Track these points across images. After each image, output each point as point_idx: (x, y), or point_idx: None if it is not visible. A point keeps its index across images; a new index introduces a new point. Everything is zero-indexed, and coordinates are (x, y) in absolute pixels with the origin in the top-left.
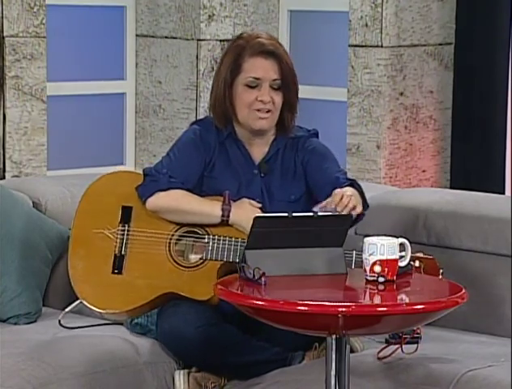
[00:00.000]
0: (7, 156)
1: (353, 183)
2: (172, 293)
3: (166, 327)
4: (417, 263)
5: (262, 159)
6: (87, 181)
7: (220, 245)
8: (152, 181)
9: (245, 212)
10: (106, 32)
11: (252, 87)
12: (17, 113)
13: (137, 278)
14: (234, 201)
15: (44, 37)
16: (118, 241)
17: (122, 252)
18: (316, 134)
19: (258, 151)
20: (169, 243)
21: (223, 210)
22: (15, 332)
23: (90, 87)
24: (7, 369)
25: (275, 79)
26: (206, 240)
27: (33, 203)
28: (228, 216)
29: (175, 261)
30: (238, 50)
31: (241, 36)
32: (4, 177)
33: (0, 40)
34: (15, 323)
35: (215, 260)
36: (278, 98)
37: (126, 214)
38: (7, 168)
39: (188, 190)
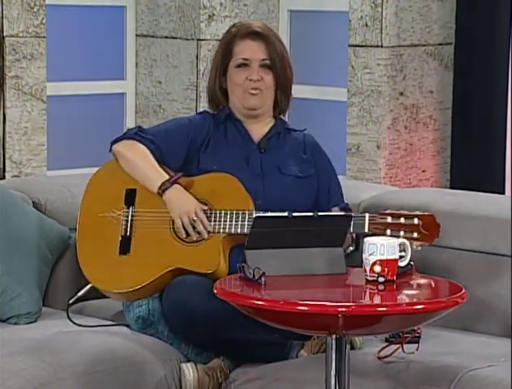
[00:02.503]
0: (7, 156)
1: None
2: (179, 269)
3: (172, 296)
4: (416, 221)
5: (262, 138)
6: (87, 181)
7: (222, 218)
8: (124, 134)
9: (180, 198)
10: (106, 32)
11: (242, 69)
12: (17, 113)
13: (144, 257)
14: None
15: (44, 37)
16: (124, 223)
17: (128, 233)
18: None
19: (258, 131)
20: (173, 221)
21: (162, 184)
22: (15, 332)
23: (90, 87)
24: (7, 369)
25: (263, 59)
26: (208, 214)
27: (33, 203)
28: (164, 192)
29: (179, 238)
30: (230, 37)
31: (233, 25)
32: (4, 177)
33: (0, 40)
34: (15, 323)
35: (218, 232)
36: (268, 77)
37: (130, 196)
38: (7, 168)
39: (155, 153)
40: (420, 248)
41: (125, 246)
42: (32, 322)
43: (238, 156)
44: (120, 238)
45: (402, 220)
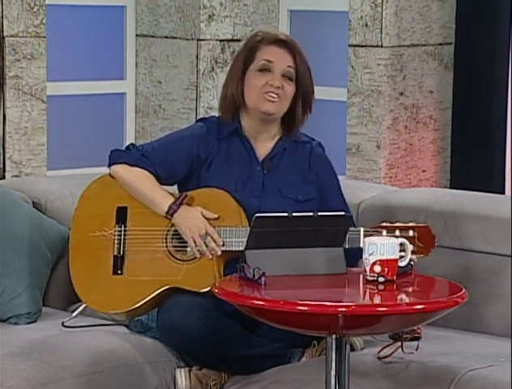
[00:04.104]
0: (7, 156)
1: None
2: (174, 288)
3: (167, 319)
4: (411, 233)
5: (266, 156)
6: (87, 181)
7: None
8: (126, 152)
9: (189, 219)
10: (106, 32)
11: (264, 73)
12: (17, 113)
13: (137, 276)
14: (234, 195)
15: (44, 37)
16: (116, 241)
17: (121, 252)
18: (322, 147)
19: (263, 147)
20: (166, 238)
21: (170, 208)
22: (15, 332)
23: (90, 87)
24: (7, 369)
25: (289, 66)
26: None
27: (33, 203)
28: (172, 215)
29: (173, 256)
30: (254, 43)
31: (257, 32)
32: (4, 177)
33: (0, 40)
34: (15, 323)
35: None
36: (289, 87)
37: (122, 214)
38: (7, 168)
39: (157, 176)
40: (416, 260)
41: (118, 266)
42: (32, 322)
43: (240, 177)
44: (112, 258)
45: (397, 232)
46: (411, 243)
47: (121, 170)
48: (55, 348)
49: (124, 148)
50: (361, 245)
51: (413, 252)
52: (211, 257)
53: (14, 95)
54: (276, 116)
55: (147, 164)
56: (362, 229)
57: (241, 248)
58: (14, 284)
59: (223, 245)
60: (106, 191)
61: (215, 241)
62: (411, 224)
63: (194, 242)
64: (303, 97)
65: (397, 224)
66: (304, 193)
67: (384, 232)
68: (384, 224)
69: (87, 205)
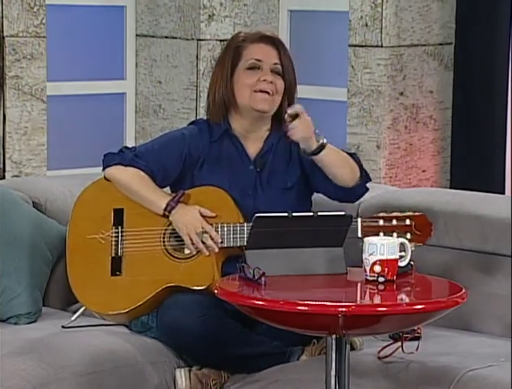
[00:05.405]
0: (7, 156)
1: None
2: (173, 286)
3: (166, 318)
4: (408, 222)
5: (257, 154)
6: (87, 181)
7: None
8: (120, 154)
9: (186, 216)
10: (106, 32)
11: (254, 70)
12: (17, 113)
13: (136, 276)
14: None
15: (44, 37)
16: (113, 243)
17: (119, 253)
18: None
19: (253, 146)
20: (163, 238)
21: (167, 204)
22: (15, 332)
23: (90, 87)
24: (7, 369)
25: (275, 63)
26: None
27: (33, 203)
28: (170, 212)
29: (171, 254)
30: (238, 42)
31: (239, 33)
32: (4, 177)
33: (0, 40)
34: (15, 323)
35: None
36: (279, 82)
37: (118, 216)
38: (7, 168)
39: (152, 176)
40: (413, 248)
41: (116, 267)
42: (32, 322)
43: (232, 176)
44: (110, 259)
45: (394, 221)
46: (408, 231)
47: (116, 171)
48: (55, 348)
49: (117, 151)
50: (359, 235)
51: (410, 240)
52: (208, 254)
53: (14, 95)
54: (270, 113)
55: (142, 164)
56: (360, 219)
57: (239, 244)
58: (14, 284)
59: (221, 242)
60: (102, 194)
61: (212, 239)
62: (407, 214)
63: (191, 239)
64: (288, 92)
65: (394, 214)
66: (292, 177)
67: (381, 222)
68: (381, 214)
69: (83, 208)
